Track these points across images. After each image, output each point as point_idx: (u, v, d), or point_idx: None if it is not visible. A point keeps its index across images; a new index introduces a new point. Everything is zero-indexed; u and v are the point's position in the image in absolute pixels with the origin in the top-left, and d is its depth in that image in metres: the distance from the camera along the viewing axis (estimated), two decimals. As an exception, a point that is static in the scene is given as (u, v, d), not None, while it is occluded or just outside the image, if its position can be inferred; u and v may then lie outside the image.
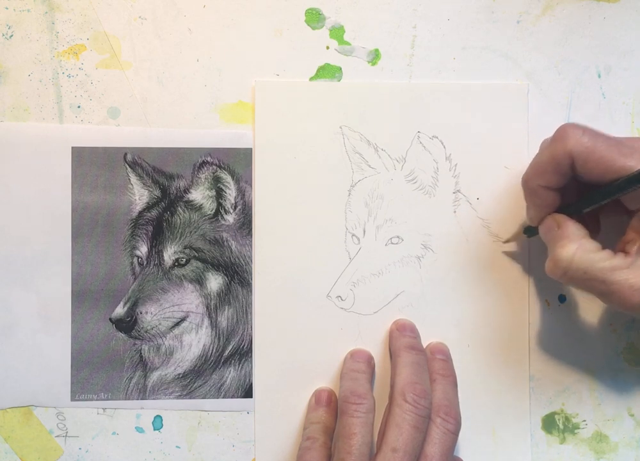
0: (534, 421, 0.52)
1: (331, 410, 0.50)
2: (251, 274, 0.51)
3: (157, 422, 0.51)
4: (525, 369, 0.51)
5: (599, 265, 0.42)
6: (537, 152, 0.48)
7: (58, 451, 0.50)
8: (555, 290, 0.52)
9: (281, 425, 0.51)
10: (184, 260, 0.51)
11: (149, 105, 0.51)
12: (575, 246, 0.43)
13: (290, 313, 0.51)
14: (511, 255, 0.52)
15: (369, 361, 0.50)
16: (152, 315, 0.50)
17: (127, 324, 0.50)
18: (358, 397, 0.47)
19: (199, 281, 0.51)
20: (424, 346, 0.51)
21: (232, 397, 0.51)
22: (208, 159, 0.51)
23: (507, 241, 0.51)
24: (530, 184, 0.45)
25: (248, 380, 0.51)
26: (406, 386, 0.46)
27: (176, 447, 0.51)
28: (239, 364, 0.51)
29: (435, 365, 0.49)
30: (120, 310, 0.50)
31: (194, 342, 0.51)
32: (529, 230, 0.49)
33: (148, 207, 0.51)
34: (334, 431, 0.49)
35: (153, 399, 0.51)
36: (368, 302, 0.51)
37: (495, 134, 0.52)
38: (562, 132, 0.44)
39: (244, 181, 0.51)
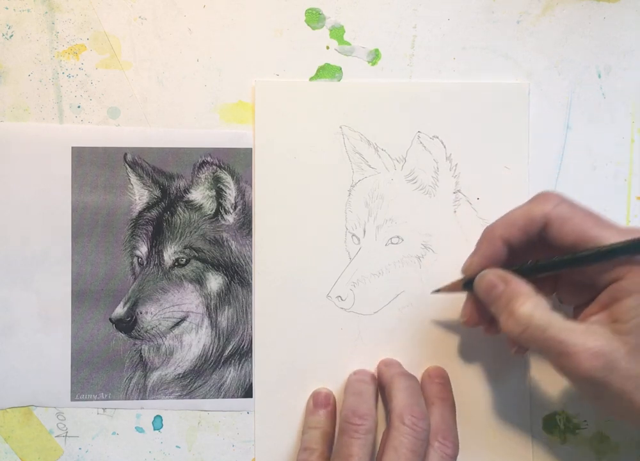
0: (535, 422, 0.51)
1: (329, 412, 0.49)
2: (251, 274, 0.51)
3: (157, 422, 0.51)
4: (525, 369, 0.51)
5: (558, 324, 0.40)
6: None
7: (58, 451, 0.50)
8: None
9: (281, 425, 0.50)
10: (184, 260, 0.51)
11: (149, 105, 0.51)
12: (534, 303, 0.42)
13: (290, 313, 0.51)
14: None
15: (373, 378, 0.50)
16: (152, 315, 0.50)
17: (127, 324, 0.50)
18: (359, 417, 0.46)
19: (199, 281, 0.51)
20: (423, 370, 0.51)
21: (232, 397, 0.51)
22: (208, 159, 0.51)
23: (438, 291, 0.49)
24: (494, 232, 0.44)
25: (248, 380, 0.51)
26: (404, 408, 0.46)
27: (176, 447, 0.51)
28: (239, 364, 0.51)
29: (433, 389, 0.49)
30: (119, 310, 0.50)
31: (194, 342, 0.51)
32: (469, 284, 0.46)
33: (148, 207, 0.51)
34: (333, 436, 0.48)
35: (153, 399, 0.51)
36: (368, 302, 0.51)
37: (495, 134, 0.52)
38: (543, 196, 0.44)
39: (244, 181, 0.51)
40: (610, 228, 0.41)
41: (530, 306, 0.41)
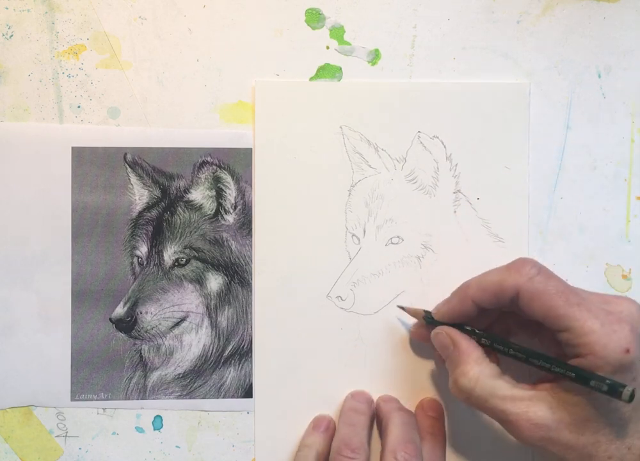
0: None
1: (327, 436, 0.49)
2: (251, 275, 0.51)
3: (157, 422, 0.51)
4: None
5: (500, 393, 0.42)
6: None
7: (58, 451, 0.50)
8: (555, 290, 0.52)
9: (281, 425, 0.50)
10: (184, 260, 0.51)
11: (149, 105, 0.51)
12: (477, 373, 0.43)
13: (290, 313, 0.51)
14: (510, 255, 0.51)
15: (370, 403, 0.50)
16: (151, 315, 0.50)
17: (127, 324, 0.50)
18: (352, 451, 0.46)
19: (199, 281, 0.51)
20: (417, 401, 0.51)
21: (232, 397, 0.51)
22: (208, 159, 0.51)
23: (402, 308, 0.50)
24: (467, 291, 0.45)
25: (247, 380, 0.51)
26: (398, 444, 0.46)
27: (176, 447, 0.51)
28: (239, 364, 0.51)
29: (425, 423, 0.49)
30: (119, 310, 0.50)
31: (194, 342, 0.51)
32: (429, 319, 0.48)
33: (148, 207, 0.51)
34: (327, 458, 0.48)
35: (153, 399, 0.51)
36: (368, 302, 0.51)
37: (495, 134, 0.52)
38: (519, 264, 0.44)
39: (244, 181, 0.51)
40: (581, 307, 0.41)
41: (473, 376, 0.43)
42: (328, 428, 0.49)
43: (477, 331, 0.46)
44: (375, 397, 0.51)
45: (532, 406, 0.42)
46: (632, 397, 0.39)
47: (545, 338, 0.46)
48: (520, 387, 0.43)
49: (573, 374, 0.41)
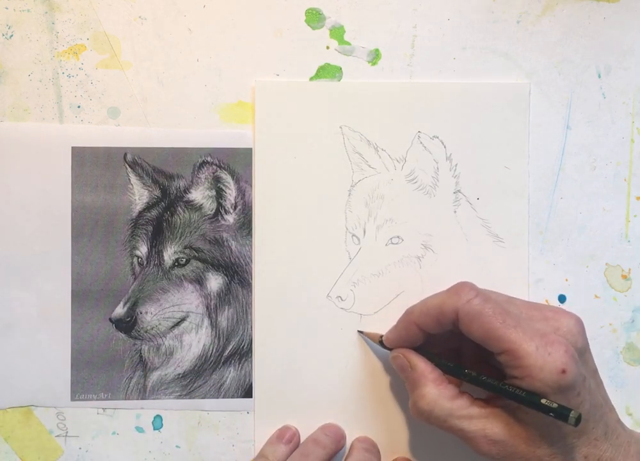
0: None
1: (288, 449, 0.49)
2: (251, 275, 0.51)
3: (157, 422, 0.51)
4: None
5: (457, 413, 0.43)
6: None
7: (58, 451, 0.50)
8: (554, 290, 0.52)
9: (281, 425, 0.50)
10: (184, 260, 0.51)
11: (149, 105, 0.51)
12: (435, 396, 0.44)
13: (290, 313, 0.51)
14: (510, 255, 0.52)
15: (337, 439, 0.49)
16: (151, 315, 0.50)
17: (127, 324, 0.50)
18: None
19: (199, 281, 0.51)
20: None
21: (231, 397, 0.51)
22: (208, 159, 0.51)
23: (362, 333, 0.51)
24: (411, 316, 0.46)
25: (247, 380, 0.51)
26: None
27: (176, 447, 0.51)
28: (239, 364, 0.51)
29: None
30: (120, 310, 0.50)
31: (194, 342, 0.51)
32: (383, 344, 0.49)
33: (148, 207, 0.51)
34: None
35: (153, 399, 0.51)
36: (368, 302, 0.51)
37: (495, 134, 0.52)
38: (457, 288, 0.44)
39: (244, 181, 0.51)
40: (517, 329, 0.42)
41: (431, 399, 0.44)
42: (290, 441, 0.49)
43: (433, 355, 0.46)
44: (374, 400, 0.51)
45: (488, 423, 0.43)
46: (577, 421, 0.40)
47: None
48: (477, 405, 0.44)
49: (524, 396, 0.42)
